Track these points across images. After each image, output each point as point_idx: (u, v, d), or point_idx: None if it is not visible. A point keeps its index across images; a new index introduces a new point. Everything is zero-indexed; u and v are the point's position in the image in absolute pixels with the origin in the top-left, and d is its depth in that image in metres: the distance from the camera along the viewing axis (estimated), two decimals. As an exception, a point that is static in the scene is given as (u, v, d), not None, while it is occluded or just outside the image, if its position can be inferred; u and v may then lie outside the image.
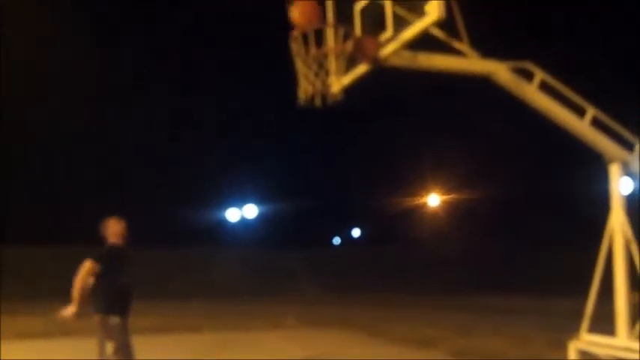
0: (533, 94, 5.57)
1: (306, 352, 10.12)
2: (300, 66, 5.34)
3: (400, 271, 31.25)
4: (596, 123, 5.76)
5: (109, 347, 5.35)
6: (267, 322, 13.93)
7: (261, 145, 39.41)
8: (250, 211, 38.86)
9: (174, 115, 37.09)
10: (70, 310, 5.35)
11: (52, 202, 31.08)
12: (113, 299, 5.47)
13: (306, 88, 5.35)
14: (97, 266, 5.41)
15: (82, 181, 31.58)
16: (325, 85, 5.49)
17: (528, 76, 5.53)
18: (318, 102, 5.42)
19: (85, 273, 5.35)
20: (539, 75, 5.53)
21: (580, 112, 5.71)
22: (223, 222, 39.34)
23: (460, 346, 10.20)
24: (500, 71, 5.46)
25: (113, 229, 5.77)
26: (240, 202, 38.48)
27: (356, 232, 49.99)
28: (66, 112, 28.53)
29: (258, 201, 38.40)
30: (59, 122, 28.51)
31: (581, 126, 5.73)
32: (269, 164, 38.44)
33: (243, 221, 39.37)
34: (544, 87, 5.57)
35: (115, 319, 5.42)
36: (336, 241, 50.54)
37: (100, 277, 5.44)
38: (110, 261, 5.55)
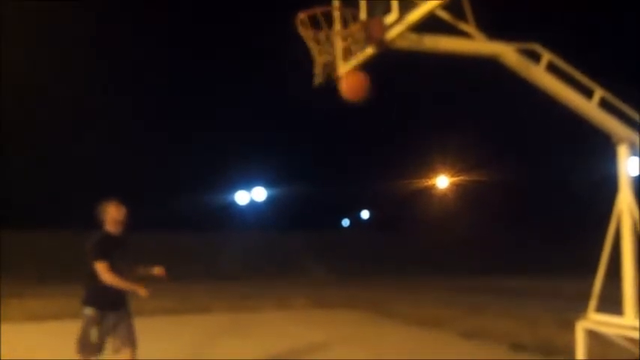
0: (540, 75, 5.54)
1: (315, 333, 10.21)
2: (312, 45, 5.34)
3: (409, 253, 31.33)
4: (604, 104, 5.73)
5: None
6: (275, 303, 14.06)
7: (270, 127, 39.47)
8: (259, 193, 39.00)
9: (182, 99, 37.21)
10: (138, 290, 5.13)
11: (54, 187, 31.24)
12: (92, 291, 5.23)
13: (320, 66, 5.38)
14: (104, 260, 5.13)
15: (85, 165, 31.74)
16: (333, 67, 5.51)
17: (536, 57, 5.50)
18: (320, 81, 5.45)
19: (108, 273, 5.10)
20: (547, 56, 5.50)
21: (588, 93, 5.68)
22: (232, 205, 39.53)
23: (469, 327, 10.26)
24: (507, 53, 5.42)
25: (112, 216, 5.37)
26: (249, 184, 38.63)
27: (365, 215, 50.09)
28: (68, 96, 28.57)
29: (267, 184, 38.54)
30: (62, 106, 28.58)
31: (589, 107, 5.70)
32: (278, 147, 38.53)
33: (252, 204, 39.53)
34: (551, 68, 5.53)
35: (88, 311, 5.19)
36: (345, 223, 50.67)
37: (91, 272, 5.19)
38: (100, 252, 5.21)
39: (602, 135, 5.87)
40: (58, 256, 23.73)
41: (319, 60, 5.40)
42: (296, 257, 28.81)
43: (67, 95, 28.14)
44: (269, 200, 39.39)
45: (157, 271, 5.50)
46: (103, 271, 5.11)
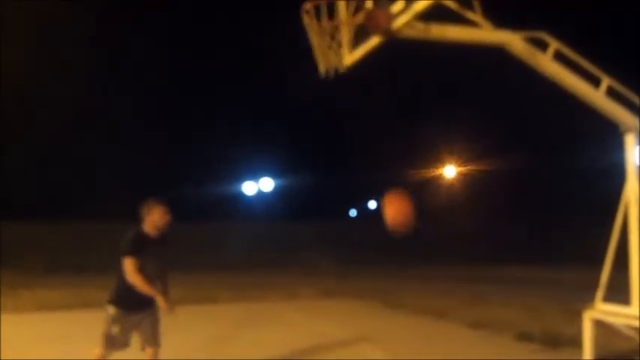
0: (547, 64, 5.52)
1: (322, 323, 10.25)
2: (314, 38, 5.35)
3: (415, 244, 31.28)
4: (611, 93, 5.71)
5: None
6: (282, 293, 14.12)
7: (277, 117, 39.45)
8: (267, 184, 39.05)
9: (190, 90, 37.26)
10: (162, 303, 5.06)
11: (63, 178, 31.40)
12: (119, 289, 5.13)
13: (324, 59, 5.38)
14: (136, 260, 4.99)
15: (95, 157, 31.88)
16: (338, 56, 5.52)
17: (543, 46, 5.48)
18: (332, 72, 5.46)
19: (135, 272, 4.96)
20: (554, 45, 5.47)
21: (595, 81, 5.66)
22: (240, 195, 39.60)
23: (475, 317, 10.28)
24: (514, 41, 5.41)
25: (154, 219, 5.16)
26: (256, 175, 38.67)
27: (372, 205, 50.03)
28: (75, 87, 28.65)
29: (274, 174, 38.56)
30: (70, 95, 28.65)
31: (597, 96, 5.68)
32: (285, 137, 38.51)
33: (260, 194, 39.59)
34: (558, 57, 5.51)
35: (110, 309, 5.15)
36: (353, 213, 50.67)
37: (119, 271, 5.09)
38: (131, 249, 5.06)
39: (609, 124, 5.85)
40: (59, 247, 23.95)
41: (321, 50, 5.40)
42: (303, 248, 28.83)
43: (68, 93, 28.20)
44: (276, 191, 39.44)
45: (163, 304, 5.22)
46: (129, 268, 4.96)
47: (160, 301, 5.05)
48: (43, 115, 28.47)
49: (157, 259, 5.16)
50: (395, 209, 5.35)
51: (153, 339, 5.26)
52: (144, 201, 5.25)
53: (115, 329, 5.11)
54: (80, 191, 30.92)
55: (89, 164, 31.69)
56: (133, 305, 5.14)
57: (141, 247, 5.06)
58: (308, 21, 5.24)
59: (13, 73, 23.61)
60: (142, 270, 5.02)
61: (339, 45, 5.53)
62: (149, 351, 5.25)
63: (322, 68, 5.52)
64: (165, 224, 5.22)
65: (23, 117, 27.89)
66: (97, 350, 5.20)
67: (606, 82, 5.66)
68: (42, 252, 22.38)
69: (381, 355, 7.75)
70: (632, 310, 5.79)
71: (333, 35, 5.46)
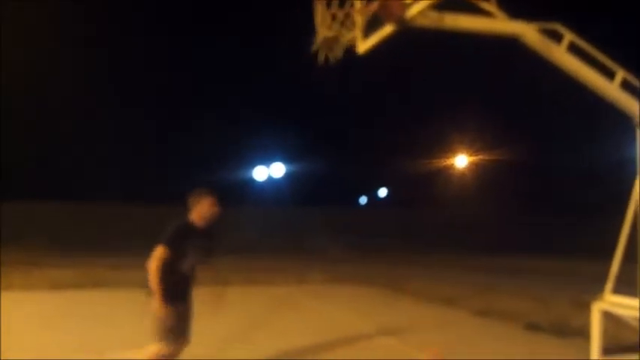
0: (561, 55, 5.48)
1: (331, 308, 10.33)
2: (320, 21, 5.37)
3: (425, 232, 31.35)
4: (626, 86, 5.67)
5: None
6: (291, 277, 14.21)
7: (290, 103, 39.44)
8: (278, 169, 39.10)
9: (201, 75, 37.29)
10: (155, 306, 4.76)
11: (74, 159, 31.62)
12: (167, 285, 4.80)
13: (322, 42, 5.39)
14: (168, 252, 4.77)
15: (103, 139, 32.07)
16: (348, 42, 5.53)
17: (557, 37, 5.44)
18: (335, 59, 5.48)
19: (158, 262, 4.74)
20: (568, 36, 5.44)
21: (610, 74, 5.62)
22: (251, 181, 39.70)
23: (484, 305, 10.33)
24: (528, 32, 5.38)
25: (202, 210, 5.02)
26: (267, 160, 38.72)
27: (383, 193, 50.02)
28: (80, 70, 28.73)
29: (285, 160, 38.60)
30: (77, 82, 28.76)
31: (611, 88, 5.64)
32: (297, 122, 38.51)
33: (271, 180, 39.65)
34: (573, 49, 5.48)
35: (156, 302, 4.81)
36: (363, 200, 50.69)
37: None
38: (176, 243, 4.85)
39: (622, 117, 5.81)
40: (64, 227, 24.22)
41: (326, 38, 5.41)
42: (313, 233, 28.94)
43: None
44: (287, 177, 39.49)
45: (216, 298, 5.25)
46: (155, 256, 4.75)
47: (156, 299, 4.75)
48: (53, 99, 28.63)
49: (201, 250, 5.01)
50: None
51: (184, 335, 5.11)
52: (192, 191, 5.09)
53: (170, 321, 4.89)
54: (89, 174, 31.20)
55: (98, 148, 31.92)
56: (178, 295, 4.98)
57: (181, 238, 4.91)
58: (320, 8, 5.25)
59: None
60: (183, 260, 4.90)
61: (350, 33, 5.54)
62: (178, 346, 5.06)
63: (322, 56, 5.54)
64: (213, 216, 5.08)
65: (31, 99, 27.99)
66: (153, 348, 4.93)
67: (621, 74, 5.62)
68: (47, 232, 22.68)
69: (390, 340, 7.81)
70: (640, 302, 5.78)
71: (344, 23, 5.47)
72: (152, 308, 4.83)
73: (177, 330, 4.97)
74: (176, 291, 4.94)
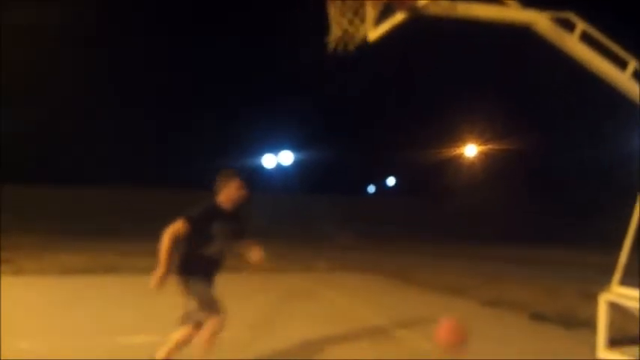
0: (574, 44, 5.46)
1: (338, 296, 10.36)
2: (333, 13, 5.36)
3: (433, 221, 31.32)
4: (638, 76, 5.63)
5: (192, 303, 4.81)
6: (299, 265, 14.25)
7: (300, 92, 39.34)
8: (286, 157, 39.14)
9: (211, 64, 37.26)
10: (156, 275, 4.59)
11: (83, 145, 31.76)
12: (192, 264, 4.78)
13: (337, 34, 5.39)
14: (187, 227, 4.65)
15: (112, 125, 32.16)
16: (359, 32, 5.52)
17: (570, 26, 5.41)
18: (350, 48, 5.47)
19: (173, 234, 4.62)
20: (581, 25, 5.41)
21: (622, 64, 5.58)
22: (259, 168, 39.77)
23: (491, 295, 10.33)
24: (540, 21, 5.35)
25: (229, 193, 4.95)
26: (276, 148, 38.76)
27: (391, 182, 50.00)
28: (87, 56, 28.76)
29: (294, 148, 38.61)
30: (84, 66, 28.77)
31: (623, 78, 5.61)
32: (306, 111, 38.46)
33: (280, 167, 39.71)
34: (585, 38, 5.45)
35: (195, 280, 4.79)
36: (371, 189, 50.72)
37: (186, 239, 4.72)
38: (202, 224, 4.76)
39: (632, 107, 5.78)
40: (71, 212, 24.35)
41: (335, 31, 5.41)
42: (321, 221, 29.01)
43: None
44: (296, 164, 39.53)
45: (254, 256, 5.15)
46: (173, 227, 4.64)
47: (157, 275, 4.60)
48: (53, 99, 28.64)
49: (229, 233, 4.92)
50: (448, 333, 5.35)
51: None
52: (220, 173, 5.04)
53: (210, 293, 4.84)
54: (94, 158, 31.35)
55: (103, 133, 32.02)
56: (210, 272, 4.94)
57: (209, 220, 4.82)
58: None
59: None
60: (210, 244, 4.82)
61: (362, 21, 5.53)
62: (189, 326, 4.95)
63: (333, 43, 5.53)
64: (241, 198, 5.02)
65: (34, 78, 27.97)
66: (210, 322, 4.80)
67: (633, 64, 5.59)
68: (55, 216, 22.83)
69: (396, 329, 7.84)
70: (647, 293, 5.79)
71: (357, 11, 5.45)
72: (183, 290, 4.78)
73: (217, 299, 4.88)
74: (204, 273, 4.87)
